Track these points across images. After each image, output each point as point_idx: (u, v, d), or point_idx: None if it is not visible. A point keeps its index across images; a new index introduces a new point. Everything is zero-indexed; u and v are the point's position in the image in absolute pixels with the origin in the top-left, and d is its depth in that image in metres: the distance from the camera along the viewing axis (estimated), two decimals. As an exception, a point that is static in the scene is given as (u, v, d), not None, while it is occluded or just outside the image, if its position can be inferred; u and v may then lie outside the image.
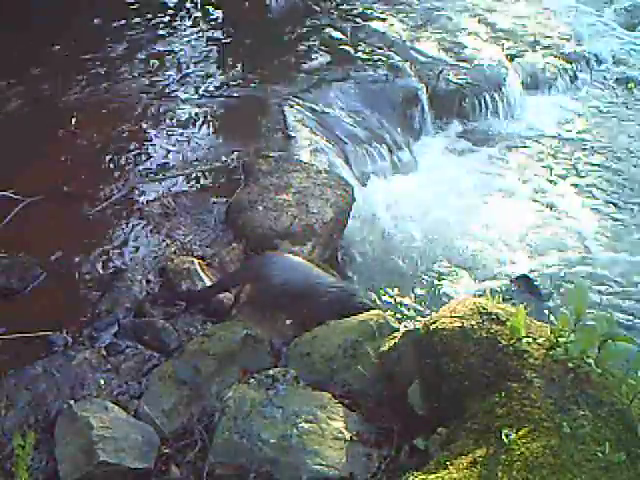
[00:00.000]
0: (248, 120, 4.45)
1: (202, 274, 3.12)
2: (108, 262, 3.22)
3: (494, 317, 2.27)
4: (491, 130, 5.18)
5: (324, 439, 2.29)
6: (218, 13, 5.92)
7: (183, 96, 4.62)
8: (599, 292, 3.76)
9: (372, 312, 2.80)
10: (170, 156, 4.01)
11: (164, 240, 3.38)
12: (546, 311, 3.60)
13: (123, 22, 5.53)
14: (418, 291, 3.73)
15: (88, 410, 2.40)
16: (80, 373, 2.64)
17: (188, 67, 5.02)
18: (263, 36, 5.54)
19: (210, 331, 2.80)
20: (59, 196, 3.58)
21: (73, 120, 4.16)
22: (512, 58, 5.60)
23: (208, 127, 4.33)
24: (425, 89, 5.02)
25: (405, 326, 2.60)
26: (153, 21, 5.64)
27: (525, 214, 4.36)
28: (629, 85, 5.84)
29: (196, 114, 4.43)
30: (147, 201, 3.62)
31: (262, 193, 3.65)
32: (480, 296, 3.52)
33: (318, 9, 5.94)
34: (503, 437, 1.92)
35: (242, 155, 4.00)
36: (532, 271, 3.88)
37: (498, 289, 3.74)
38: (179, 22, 5.68)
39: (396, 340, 2.45)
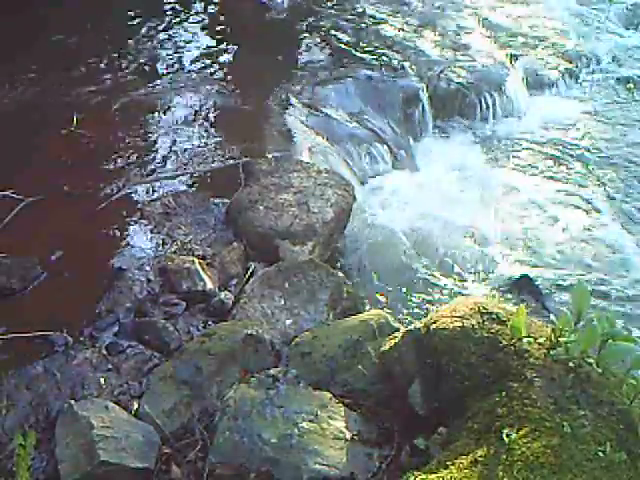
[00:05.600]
0: (249, 120, 4.45)
1: (202, 274, 3.12)
2: (108, 262, 3.21)
3: (495, 317, 2.27)
4: (492, 130, 5.18)
5: (325, 439, 2.29)
6: (219, 13, 5.92)
7: (183, 96, 4.62)
8: (600, 292, 3.76)
9: (372, 312, 2.80)
10: (170, 156, 4.01)
11: (164, 240, 3.38)
12: (547, 311, 3.60)
13: (123, 21, 5.53)
14: (418, 291, 3.73)
15: (89, 410, 2.40)
16: (81, 373, 2.64)
17: (188, 67, 5.02)
18: (263, 36, 5.54)
19: (211, 331, 2.80)
20: (59, 196, 3.58)
21: (73, 120, 4.16)
22: (513, 58, 5.60)
23: (209, 127, 4.33)
24: (425, 89, 5.02)
25: (405, 326, 2.59)
26: (153, 20, 5.64)
27: (526, 214, 4.36)
28: (629, 85, 5.84)
29: (196, 114, 4.43)
30: (147, 201, 3.61)
31: (262, 193, 3.65)
32: (481, 296, 3.56)
33: (318, 9, 5.94)
34: (504, 437, 1.92)
35: (242, 155, 4.00)
36: (533, 270, 3.88)
37: (499, 289, 3.74)
38: (179, 22, 5.67)
39: (396, 340, 2.45)
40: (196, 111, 4.46)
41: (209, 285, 3.10)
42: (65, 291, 3.05)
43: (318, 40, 5.47)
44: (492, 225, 4.24)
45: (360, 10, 6.03)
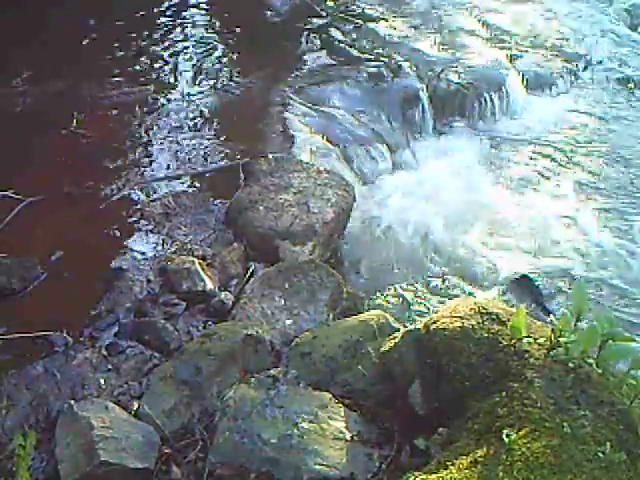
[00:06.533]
0: (249, 120, 4.45)
1: (202, 274, 3.12)
2: (108, 262, 3.21)
3: (495, 317, 2.27)
4: (492, 130, 5.17)
5: (325, 439, 2.29)
6: (219, 13, 5.92)
7: (184, 96, 4.62)
8: (600, 292, 3.76)
9: (373, 312, 2.80)
10: (171, 156, 4.01)
11: (164, 240, 3.38)
12: (546, 311, 3.59)
13: (124, 21, 5.53)
14: (419, 291, 3.73)
15: (89, 410, 2.40)
16: (81, 373, 2.65)
17: (189, 67, 5.02)
18: (264, 36, 5.54)
19: (211, 331, 2.80)
20: (59, 196, 3.59)
21: (74, 120, 4.16)
22: (513, 58, 5.60)
23: (209, 127, 4.33)
24: (425, 89, 5.02)
25: (406, 326, 2.59)
26: (154, 21, 5.64)
27: (526, 214, 4.35)
28: (629, 85, 5.84)
29: (197, 114, 4.44)
30: (147, 201, 3.62)
31: (262, 193, 3.65)
32: (480, 296, 3.56)
33: (319, 9, 5.94)
34: (504, 437, 1.92)
35: (242, 155, 4.00)
36: (533, 270, 3.88)
37: (499, 289, 3.74)
38: (180, 22, 5.67)
39: (397, 340, 2.45)
40: (196, 111, 4.46)
41: (209, 285, 3.10)
42: (65, 291, 3.06)
43: (318, 40, 5.47)
44: (492, 225, 4.24)
45: (360, 10, 6.03)
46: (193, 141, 4.16)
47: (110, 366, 2.70)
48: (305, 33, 5.59)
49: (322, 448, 2.25)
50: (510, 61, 5.55)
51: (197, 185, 3.80)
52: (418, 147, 4.84)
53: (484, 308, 2.30)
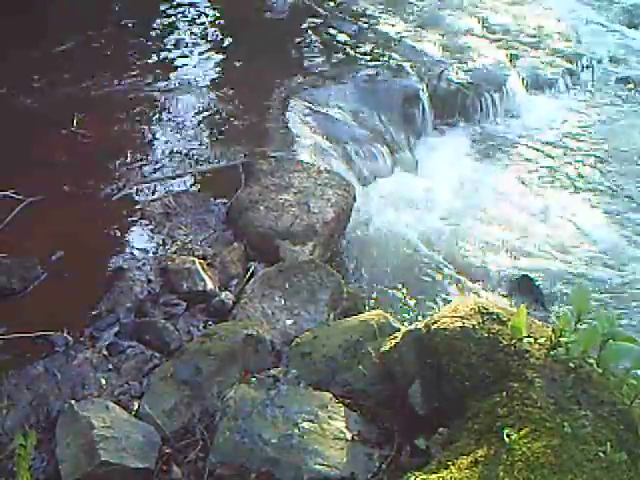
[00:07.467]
0: (249, 120, 4.45)
1: (203, 274, 3.12)
2: (109, 262, 3.21)
3: (495, 317, 2.27)
4: (492, 130, 5.18)
5: (325, 439, 2.29)
6: (219, 13, 5.92)
7: (184, 96, 4.62)
8: (600, 292, 3.76)
9: (373, 312, 2.80)
10: (171, 156, 4.01)
11: (165, 240, 3.38)
12: (546, 311, 3.60)
13: (124, 22, 5.53)
14: (419, 291, 3.73)
15: (89, 410, 2.40)
16: (81, 373, 2.64)
17: (188, 66, 5.02)
18: (264, 36, 5.54)
19: (211, 331, 2.80)
20: (59, 196, 3.58)
21: (74, 120, 4.16)
22: (513, 58, 5.61)
23: (209, 127, 4.33)
24: (425, 89, 5.03)
25: (406, 326, 2.59)
26: (153, 21, 5.64)
27: (526, 214, 4.36)
28: (629, 85, 5.85)
29: (197, 114, 4.44)
30: (148, 201, 3.61)
31: (263, 193, 3.65)
32: (481, 296, 3.56)
33: (319, 9, 5.94)
34: (504, 437, 1.92)
35: (242, 155, 4.00)
36: (533, 270, 3.88)
37: (499, 289, 3.75)
38: (179, 22, 5.68)
39: (397, 340, 2.45)
40: (196, 111, 4.47)
41: (209, 285, 3.10)
42: (65, 291, 3.05)
43: (318, 40, 5.47)
44: (492, 224, 4.24)
45: (360, 10, 6.03)
46: (193, 141, 4.17)
47: (110, 366, 2.69)
48: (305, 33, 5.59)
49: (322, 448, 2.25)
50: (510, 61, 5.56)
51: (197, 185, 3.80)
52: (418, 147, 4.85)
53: (484, 308, 2.30)
